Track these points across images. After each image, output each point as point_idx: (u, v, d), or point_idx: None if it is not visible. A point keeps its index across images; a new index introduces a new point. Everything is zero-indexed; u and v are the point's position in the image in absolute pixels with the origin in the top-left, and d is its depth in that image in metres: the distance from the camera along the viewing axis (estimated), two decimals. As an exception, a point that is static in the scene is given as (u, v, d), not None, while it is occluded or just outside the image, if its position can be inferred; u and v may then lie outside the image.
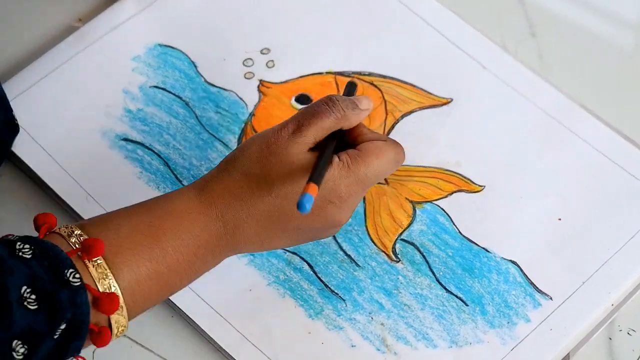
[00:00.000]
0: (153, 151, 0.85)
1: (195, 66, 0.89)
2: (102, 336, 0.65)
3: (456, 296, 0.79)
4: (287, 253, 0.80)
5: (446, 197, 0.83)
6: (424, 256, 0.80)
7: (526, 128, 0.86)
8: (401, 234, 0.81)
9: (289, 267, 0.80)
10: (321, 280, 0.79)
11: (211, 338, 0.77)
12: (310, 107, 0.73)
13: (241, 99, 0.88)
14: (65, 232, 0.66)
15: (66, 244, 0.65)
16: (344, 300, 0.78)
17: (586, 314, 0.78)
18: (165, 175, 0.84)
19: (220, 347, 0.76)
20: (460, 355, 0.76)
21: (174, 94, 0.88)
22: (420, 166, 0.84)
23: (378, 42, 0.90)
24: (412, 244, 0.81)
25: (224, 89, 0.88)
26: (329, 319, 0.77)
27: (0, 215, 0.83)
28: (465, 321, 0.77)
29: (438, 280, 0.79)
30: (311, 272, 0.80)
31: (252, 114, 0.87)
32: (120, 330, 0.66)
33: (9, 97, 0.84)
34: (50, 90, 0.87)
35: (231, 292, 0.78)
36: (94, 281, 0.65)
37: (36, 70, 0.88)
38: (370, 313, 0.78)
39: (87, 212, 0.81)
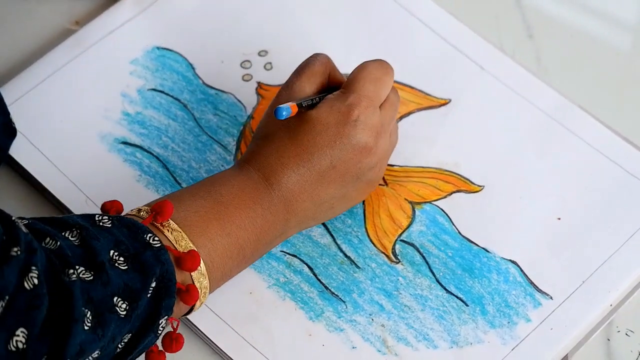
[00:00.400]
0: (152, 154, 0.85)
1: (193, 68, 0.89)
2: (190, 294, 0.68)
3: (456, 296, 0.79)
4: (287, 255, 0.80)
5: (445, 197, 0.83)
6: (423, 257, 0.80)
7: (524, 128, 0.86)
8: (401, 234, 0.81)
9: (289, 269, 0.80)
10: (321, 282, 0.79)
11: (212, 341, 0.77)
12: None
13: (239, 101, 0.88)
14: (133, 211, 0.71)
15: (138, 219, 0.69)
16: (344, 302, 0.78)
17: (586, 313, 0.78)
18: (164, 177, 0.84)
19: (221, 350, 0.76)
20: (461, 355, 0.76)
21: (172, 97, 0.88)
22: (419, 167, 0.84)
23: (376, 43, 0.90)
24: (412, 244, 0.81)
25: (222, 91, 0.88)
26: (329, 321, 0.77)
27: (-2, 219, 0.83)
28: (466, 321, 0.78)
29: (438, 281, 0.79)
30: (311, 274, 0.80)
31: (250, 116, 0.87)
32: (203, 292, 0.70)
33: (7, 100, 0.84)
34: (48, 94, 0.87)
35: (232, 295, 0.78)
36: (172, 244, 0.68)
37: (34, 74, 0.88)
38: (370, 314, 0.78)
39: (86, 215, 0.81)
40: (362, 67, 0.78)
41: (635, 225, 0.81)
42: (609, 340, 0.78)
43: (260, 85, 0.88)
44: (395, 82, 0.88)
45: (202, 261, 0.69)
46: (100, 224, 0.67)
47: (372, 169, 0.77)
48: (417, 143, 0.85)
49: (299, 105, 0.75)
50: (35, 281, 0.58)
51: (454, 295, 0.79)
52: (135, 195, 0.82)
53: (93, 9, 0.92)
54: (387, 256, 0.80)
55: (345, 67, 0.89)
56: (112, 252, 0.65)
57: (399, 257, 0.80)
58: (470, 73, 0.88)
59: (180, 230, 0.69)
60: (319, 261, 0.80)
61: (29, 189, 0.84)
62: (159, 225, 0.69)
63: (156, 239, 0.67)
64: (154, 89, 0.88)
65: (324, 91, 0.79)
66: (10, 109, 0.83)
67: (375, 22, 0.91)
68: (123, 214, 0.72)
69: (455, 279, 0.79)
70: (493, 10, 0.93)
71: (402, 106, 0.87)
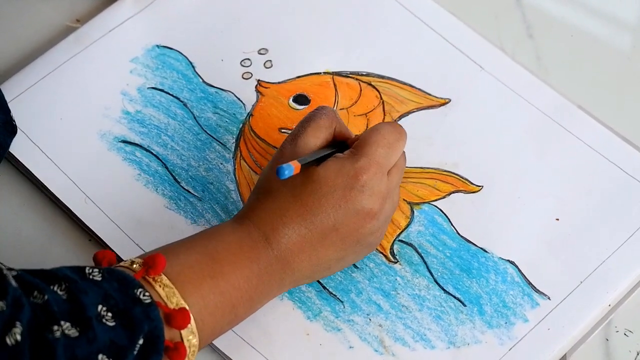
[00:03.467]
0: (151, 153, 0.85)
1: (193, 67, 0.89)
2: (178, 352, 0.67)
3: (454, 297, 0.79)
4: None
5: (444, 197, 0.83)
6: (422, 257, 0.80)
7: (524, 128, 0.86)
8: (399, 234, 0.81)
9: (288, 268, 0.80)
10: (319, 282, 0.79)
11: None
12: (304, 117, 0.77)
13: (239, 99, 0.88)
14: (125, 263, 0.69)
15: (130, 271, 0.68)
16: (342, 301, 0.78)
17: (584, 313, 0.78)
18: (164, 176, 0.84)
19: (219, 350, 0.77)
20: (458, 355, 0.76)
21: (172, 95, 0.88)
22: (418, 167, 0.84)
23: (376, 42, 0.90)
24: (410, 244, 0.81)
25: (222, 90, 0.88)
26: (327, 321, 0.78)
27: (-2, 216, 0.83)
28: (463, 321, 0.78)
29: (436, 281, 0.79)
30: (309, 274, 0.80)
31: (250, 114, 0.87)
32: (192, 350, 0.68)
33: (7, 98, 0.84)
34: (49, 92, 0.87)
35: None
36: (163, 300, 0.67)
37: (34, 72, 0.88)
38: (368, 314, 0.78)
39: (85, 214, 0.81)
40: (376, 130, 0.76)
41: (634, 226, 0.81)
42: (607, 340, 0.78)
43: (259, 82, 0.89)
44: (396, 80, 0.88)
45: (192, 319, 0.67)
46: (91, 277, 0.65)
47: (373, 234, 0.75)
48: (416, 143, 0.85)
49: (302, 164, 0.72)
50: (18, 337, 0.57)
51: (451, 295, 0.79)
52: (134, 194, 0.83)
53: (94, 7, 0.92)
54: (385, 256, 0.80)
55: (345, 66, 0.89)
56: (100, 307, 0.63)
57: (397, 257, 0.80)
58: (470, 73, 0.88)
59: (172, 286, 0.67)
60: (318, 260, 0.80)
61: (29, 186, 0.84)
62: (150, 279, 0.67)
63: (146, 294, 0.65)
64: (154, 88, 0.88)
65: (330, 146, 0.77)
66: (10, 105, 0.83)
67: (375, 21, 0.91)
68: (115, 265, 0.70)
69: (453, 279, 0.79)
70: (493, 10, 0.93)
71: (402, 105, 0.87)
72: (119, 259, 0.73)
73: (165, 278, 0.68)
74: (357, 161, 0.74)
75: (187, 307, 0.67)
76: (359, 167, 0.74)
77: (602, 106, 0.87)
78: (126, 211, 0.82)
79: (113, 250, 0.79)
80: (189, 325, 0.67)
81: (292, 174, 0.70)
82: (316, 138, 0.76)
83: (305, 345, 0.77)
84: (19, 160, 0.84)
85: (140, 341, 0.64)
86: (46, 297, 0.61)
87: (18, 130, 0.84)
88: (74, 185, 0.83)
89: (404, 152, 0.78)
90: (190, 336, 0.67)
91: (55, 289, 0.63)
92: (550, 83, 0.88)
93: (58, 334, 0.60)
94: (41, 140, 0.85)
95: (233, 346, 0.76)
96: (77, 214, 0.81)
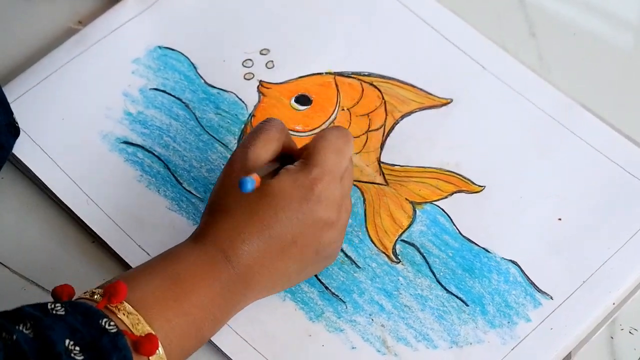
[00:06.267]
0: (153, 154, 0.85)
1: (195, 68, 0.89)
2: None
3: (456, 296, 0.79)
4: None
5: (446, 197, 0.83)
6: (424, 257, 0.80)
7: (526, 128, 0.86)
8: (401, 234, 0.81)
9: (290, 268, 0.80)
10: (321, 283, 0.79)
11: (212, 342, 0.77)
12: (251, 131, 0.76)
13: (241, 99, 0.88)
14: (86, 295, 0.68)
15: (92, 302, 0.67)
16: (344, 302, 0.78)
17: (587, 313, 0.78)
18: (166, 177, 0.84)
19: (222, 352, 0.76)
20: (461, 355, 0.76)
21: (174, 96, 0.88)
22: (420, 167, 0.84)
23: (378, 42, 0.90)
24: (413, 244, 0.81)
25: (224, 90, 0.88)
26: (329, 322, 0.78)
27: (1, 217, 0.83)
28: (466, 321, 0.78)
29: (438, 281, 0.79)
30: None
31: (251, 115, 0.87)
32: None
33: (10, 99, 0.84)
34: (51, 93, 0.87)
35: (232, 294, 0.78)
36: (128, 328, 0.66)
37: (36, 73, 0.88)
38: (370, 315, 0.78)
39: (87, 215, 0.81)
40: (322, 137, 0.75)
41: (636, 225, 0.81)
42: (612, 338, 0.78)
43: (261, 83, 0.89)
44: (398, 80, 0.88)
45: (160, 344, 0.66)
46: (54, 312, 0.64)
47: (331, 244, 0.75)
48: (418, 143, 0.85)
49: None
50: None
51: (454, 295, 0.79)
52: (136, 195, 0.83)
53: (96, 8, 0.92)
54: (388, 256, 0.80)
55: (346, 66, 0.89)
56: (67, 341, 0.62)
57: (399, 257, 0.80)
58: (472, 72, 0.88)
59: (136, 313, 0.67)
60: (320, 261, 0.80)
61: (31, 187, 0.84)
62: (113, 308, 0.67)
63: (112, 323, 0.64)
64: (156, 89, 0.88)
65: (279, 159, 0.76)
66: (13, 106, 0.83)
67: (377, 21, 0.91)
68: (75, 297, 0.69)
69: (456, 279, 0.79)
70: (495, 9, 0.93)
71: (404, 105, 0.87)
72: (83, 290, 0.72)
73: (129, 305, 0.67)
74: (311, 172, 0.73)
75: (154, 333, 0.67)
76: (313, 178, 0.73)
77: (605, 105, 0.87)
78: (128, 212, 0.82)
79: (117, 253, 0.79)
80: (157, 351, 0.66)
81: (254, 187, 0.69)
82: (267, 151, 0.74)
83: (308, 346, 0.77)
84: (21, 161, 0.84)
85: None
86: (15, 336, 0.60)
87: (21, 132, 0.84)
88: (76, 186, 0.83)
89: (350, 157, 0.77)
90: None
91: (21, 328, 0.62)
92: (552, 81, 0.87)
93: None
94: (43, 141, 0.85)
95: (235, 347, 0.76)
96: (79, 215, 0.81)
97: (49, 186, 0.83)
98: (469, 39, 0.90)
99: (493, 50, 0.89)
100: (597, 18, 0.93)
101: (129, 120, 0.87)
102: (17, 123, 0.83)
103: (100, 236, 0.81)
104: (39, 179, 0.83)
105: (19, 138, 0.84)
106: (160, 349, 0.67)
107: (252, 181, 0.69)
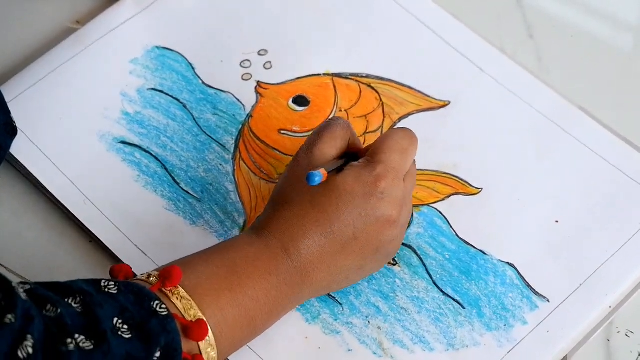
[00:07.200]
0: (150, 154, 0.85)
1: (193, 68, 0.89)
2: None
3: (453, 299, 0.79)
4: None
5: (443, 199, 0.83)
6: (421, 259, 0.80)
7: (524, 130, 0.86)
8: (398, 236, 0.81)
9: (286, 270, 0.80)
10: (318, 284, 0.79)
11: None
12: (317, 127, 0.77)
13: (238, 100, 0.88)
14: (143, 276, 0.69)
15: (147, 284, 0.68)
16: (340, 304, 0.78)
17: (583, 316, 0.78)
18: (163, 178, 0.84)
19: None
20: (457, 358, 0.76)
21: (171, 97, 0.88)
22: (418, 169, 0.84)
23: (376, 44, 0.90)
24: (409, 246, 0.81)
25: (222, 91, 0.88)
26: (326, 324, 0.78)
27: (-2, 217, 0.83)
28: (462, 324, 0.78)
29: (435, 283, 0.79)
30: (308, 276, 0.80)
31: (249, 115, 0.87)
32: None
33: (7, 99, 0.85)
34: (48, 93, 0.87)
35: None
36: (180, 312, 0.67)
37: (34, 73, 0.88)
38: (367, 317, 0.78)
39: (84, 215, 0.81)
40: (389, 136, 0.75)
41: (633, 228, 0.81)
42: (608, 340, 0.78)
43: (259, 83, 0.88)
44: (395, 82, 0.88)
45: (210, 331, 0.67)
46: (106, 290, 0.65)
47: (392, 242, 0.75)
48: (415, 144, 0.85)
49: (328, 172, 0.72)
50: (30, 350, 0.57)
51: (450, 297, 0.79)
52: (133, 195, 0.83)
53: (94, 8, 0.92)
54: (385, 258, 0.80)
55: (344, 67, 0.89)
56: (116, 319, 0.63)
57: (396, 259, 0.80)
58: (470, 74, 0.88)
59: (189, 298, 0.67)
60: (317, 262, 0.80)
61: (29, 187, 0.84)
62: (167, 291, 0.67)
63: (163, 306, 0.65)
64: (153, 89, 0.88)
65: (343, 157, 0.76)
66: (10, 106, 0.83)
67: (375, 23, 0.91)
68: (132, 278, 0.69)
69: (452, 282, 0.79)
70: (493, 11, 0.92)
71: (401, 107, 0.87)
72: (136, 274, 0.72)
73: (183, 290, 0.67)
74: (375, 168, 0.73)
75: (205, 319, 0.67)
76: (377, 174, 0.73)
77: (603, 107, 0.86)
78: (125, 212, 0.82)
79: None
80: (207, 337, 0.67)
81: (321, 181, 0.70)
82: (332, 148, 0.75)
83: (304, 348, 0.77)
84: (18, 161, 0.84)
85: (158, 354, 0.64)
86: (59, 310, 0.61)
87: (18, 131, 0.84)
88: (73, 186, 0.83)
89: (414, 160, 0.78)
90: (208, 349, 0.67)
91: (70, 301, 0.63)
92: (550, 84, 0.87)
93: (72, 346, 0.59)
94: (41, 140, 0.85)
95: (231, 349, 0.76)
96: (76, 215, 0.81)
97: (46, 186, 0.83)
98: (467, 41, 0.90)
99: (491, 52, 0.89)
100: (595, 19, 0.93)
101: (126, 120, 0.87)
102: (14, 123, 0.83)
103: (97, 236, 0.81)
104: (36, 178, 0.83)
105: (16, 138, 0.84)
106: (211, 336, 0.67)
107: (320, 175, 0.70)
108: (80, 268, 0.80)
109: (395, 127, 0.86)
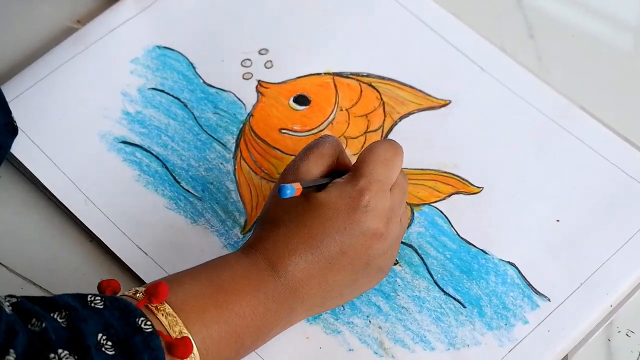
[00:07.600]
0: (151, 153, 0.85)
1: (194, 67, 0.89)
2: None
3: (454, 298, 0.79)
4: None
5: (444, 199, 0.83)
6: (422, 258, 0.80)
7: (524, 130, 0.86)
8: (399, 236, 0.81)
9: (287, 269, 0.80)
10: (319, 284, 0.79)
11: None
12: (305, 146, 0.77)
13: (239, 99, 0.88)
14: (130, 292, 0.69)
15: (133, 300, 0.67)
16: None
17: (584, 315, 0.78)
18: (164, 177, 0.84)
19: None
20: (458, 357, 0.76)
21: (172, 96, 0.88)
22: (418, 168, 0.84)
23: (376, 43, 0.90)
24: (410, 246, 0.81)
25: (223, 90, 0.88)
26: (327, 323, 0.78)
27: (-1, 217, 0.83)
28: (463, 323, 0.78)
29: (436, 283, 0.79)
30: (309, 275, 0.80)
31: (250, 115, 0.87)
32: None
33: (8, 98, 0.85)
34: (49, 92, 0.87)
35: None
36: (165, 329, 0.66)
37: (35, 72, 0.88)
38: (368, 316, 0.78)
39: (85, 215, 0.81)
40: (371, 149, 0.75)
41: (635, 227, 0.81)
42: (609, 340, 0.78)
43: (260, 83, 0.88)
44: (396, 81, 0.88)
45: (195, 348, 0.67)
46: (92, 304, 0.65)
47: (382, 255, 0.75)
48: (416, 144, 0.85)
49: (304, 187, 0.72)
50: None
51: (451, 297, 0.79)
52: (134, 194, 0.83)
53: (95, 7, 0.92)
54: (385, 257, 0.80)
55: (345, 66, 0.89)
56: (100, 335, 0.63)
57: (397, 259, 0.80)
58: (471, 73, 0.88)
59: (175, 315, 0.67)
60: (318, 262, 0.80)
61: (30, 186, 0.84)
62: (153, 308, 0.67)
63: (148, 323, 0.65)
64: (154, 88, 0.88)
65: (331, 174, 0.76)
66: (11, 105, 0.83)
67: (375, 22, 0.91)
68: (120, 294, 0.69)
69: (453, 281, 0.79)
70: (494, 10, 0.93)
71: (402, 106, 0.87)
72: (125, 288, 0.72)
73: (168, 307, 0.67)
74: (358, 182, 0.73)
75: (190, 336, 0.67)
76: (360, 188, 0.73)
77: (603, 107, 0.86)
78: (126, 212, 0.82)
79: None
80: (192, 354, 0.66)
81: (293, 194, 0.70)
82: (318, 165, 0.75)
83: (305, 348, 0.77)
84: (19, 161, 0.84)
85: None
86: (44, 324, 0.61)
87: (19, 131, 0.84)
88: (74, 186, 0.83)
89: (403, 171, 0.77)
90: None
91: (55, 316, 0.63)
92: (551, 83, 0.87)
93: None
94: (41, 140, 0.85)
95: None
96: (76, 214, 0.81)
97: (47, 186, 0.83)
98: (467, 40, 0.90)
99: (492, 51, 0.89)
100: (596, 19, 0.93)
101: (127, 119, 0.87)
102: (15, 122, 0.83)
103: (98, 236, 0.81)
104: (37, 178, 0.83)
105: (17, 137, 0.84)
106: (196, 353, 0.67)
107: (292, 187, 0.70)
108: (80, 268, 0.80)
109: (395, 127, 0.86)
